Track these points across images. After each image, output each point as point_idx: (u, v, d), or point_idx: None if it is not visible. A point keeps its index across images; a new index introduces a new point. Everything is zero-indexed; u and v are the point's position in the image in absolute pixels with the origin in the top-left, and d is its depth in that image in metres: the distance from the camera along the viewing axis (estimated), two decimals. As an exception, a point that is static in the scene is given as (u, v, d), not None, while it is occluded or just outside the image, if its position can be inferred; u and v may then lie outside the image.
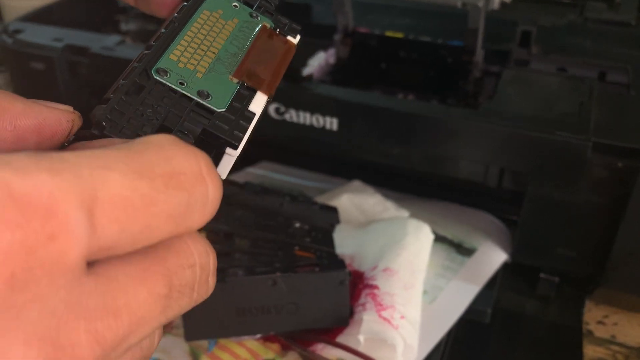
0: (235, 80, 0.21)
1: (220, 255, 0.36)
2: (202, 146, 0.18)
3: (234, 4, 0.24)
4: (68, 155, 0.13)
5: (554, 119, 0.43)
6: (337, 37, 0.60)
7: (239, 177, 0.58)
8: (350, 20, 0.58)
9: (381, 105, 0.46)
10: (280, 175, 0.58)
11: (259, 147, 0.59)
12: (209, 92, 0.20)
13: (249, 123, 0.21)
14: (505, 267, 0.48)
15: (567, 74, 0.50)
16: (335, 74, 0.59)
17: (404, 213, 0.50)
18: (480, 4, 0.50)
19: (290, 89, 0.49)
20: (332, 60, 0.60)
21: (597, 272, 0.45)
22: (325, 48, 0.59)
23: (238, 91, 0.21)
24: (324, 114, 0.48)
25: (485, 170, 0.47)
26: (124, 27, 0.77)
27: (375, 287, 0.38)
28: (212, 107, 0.20)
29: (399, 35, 0.58)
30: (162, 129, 0.19)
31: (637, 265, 0.43)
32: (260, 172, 0.59)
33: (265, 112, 0.48)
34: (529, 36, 0.54)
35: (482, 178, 0.48)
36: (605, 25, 0.61)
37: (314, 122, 0.49)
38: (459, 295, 0.42)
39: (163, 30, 0.22)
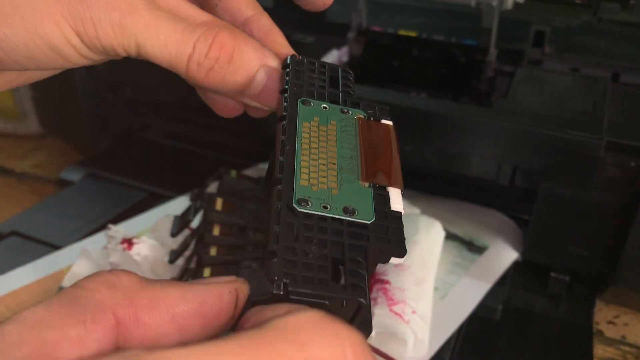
0: (367, 185, 0.21)
1: (235, 249, 0.36)
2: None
3: (323, 105, 0.24)
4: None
5: (567, 117, 0.43)
6: (351, 35, 0.60)
7: (253, 173, 0.58)
8: (364, 19, 0.59)
9: (394, 102, 0.47)
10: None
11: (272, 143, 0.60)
12: (354, 207, 0.20)
13: (400, 224, 0.20)
14: (516, 265, 0.48)
15: (580, 74, 0.50)
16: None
17: (416, 210, 0.50)
18: (495, 3, 0.50)
19: (304, 85, 0.49)
20: (345, 58, 0.60)
21: (609, 271, 0.45)
22: (338, 46, 0.60)
23: (374, 195, 0.21)
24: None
25: (498, 168, 0.47)
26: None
27: (386, 282, 0.38)
28: (363, 221, 0.19)
29: (412, 34, 0.59)
30: (334, 263, 0.18)
31: (649, 264, 0.43)
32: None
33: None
34: (543, 36, 0.54)
35: (494, 176, 0.48)
36: (619, 25, 0.61)
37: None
38: (470, 292, 0.42)
39: (281, 158, 0.21)
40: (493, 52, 0.55)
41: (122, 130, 0.64)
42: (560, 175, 0.43)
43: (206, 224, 0.37)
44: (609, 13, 0.64)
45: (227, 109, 0.25)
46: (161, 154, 0.63)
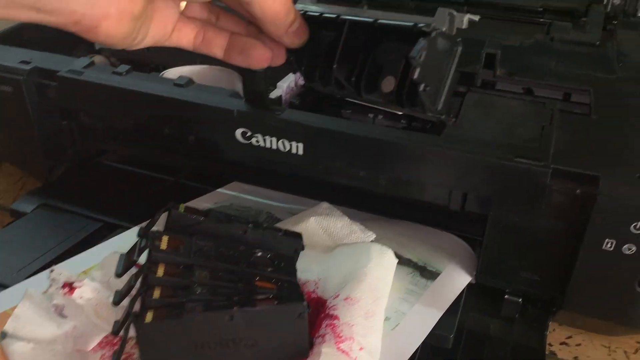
0: None
1: (179, 289, 0.36)
2: None
3: None
4: None
5: (515, 144, 0.44)
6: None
7: (210, 199, 0.58)
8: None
9: (345, 130, 0.47)
10: (251, 196, 0.59)
11: (230, 167, 0.59)
12: None
13: None
14: (470, 287, 0.48)
15: (530, 98, 0.51)
16: (305, 95, 0.59)
17: (370, 235, 0.50)
18: (444, 27, 0.50)
19: (257, 114, 0.49)
20: (301, 81, 0.60)
21: (560, 295, 0.46)
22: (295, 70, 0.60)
23: None
24: (289, 139, 0.49)
25: (449, 194, 0.48)
26: (98, 45, 0.77)
27: (335, 317, 0.38)
28: None
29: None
30: None
31: (597, 290, 0.44)
32: (231, 193, 0.59)
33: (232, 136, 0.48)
34: (494, 59, 0.54)
35: (446, 201, 0.48)
36: (570, 45, 0.62)
37: (280, 147, 0.49)
38: (422, 321, 0.42)
39: None
40: (446, 75, 0.55)
41: (79, 156, 0.63)
42: (508, 202, 0.44)
43: (150, 264, 0.37)
44: (561, 32, 0.65)
45: (264, 57, 0.35)
46: (119, 180, 0.62)
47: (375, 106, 0.50)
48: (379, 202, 0.56)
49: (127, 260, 0.38)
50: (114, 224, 0.54)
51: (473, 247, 0.52)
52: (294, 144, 0.49)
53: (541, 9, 0.70)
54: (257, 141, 0.50)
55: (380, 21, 0.41)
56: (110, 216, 0.55)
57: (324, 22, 0.42)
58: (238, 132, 0.50)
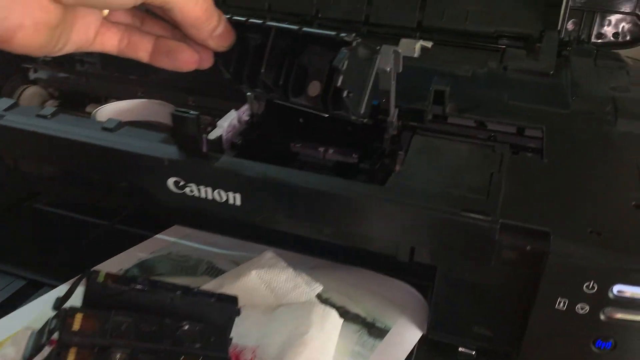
0: None
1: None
2: None
3: None
4: None
5: (462, 195, 0.41)
6: (250, 93, 0.56)
7: (146, 247, 0.54)
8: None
9: (285, 180, 0.44)
10: (191, 242, 0.55)
11: (171, 209, 0.56)
12: None
13: None
14: (422, 339, 0.46)
15: (479, 142, 0.48)
16: (249, 132, 0.56)
17: (316, 288, 0.47)
18: (389, 68, 0.47)
19: (190, 162, 0.46)
20: (245, 117, 0.57)
21: (515, 350, 0.43)
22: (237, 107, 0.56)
23: None
24: (226, 189, 0.45)
25: (397, 245, 0.45)
26: (32, 75, 0.73)
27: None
28: None
29: (313, 91, 0.56)
30: None
31: (552, 347, 0.41)
32: (170, 240, 0.55)
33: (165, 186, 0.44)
34: (442, 95, 0.52)
35: (393, 252, 0.46)
36: (524, 74, 0.60)
37: (216, 197, 0.46)
38: (367, 389, 0.39)
39: None
40: (394, 112, 0.52)
41: (6, 200, 0.59)
42: (456, 257, 0.41)
43: (60, 348, 0.33)
44: (514, 60, 0.63)
45: (191, 60, 0.35)
46: (50, 226, 0.58)
47: (303, 108, 0.45)
48: (327, 246, 0.53)
49: (36, 344, 0.34)
50: (39, 282, 0.49)
51: (425, 294, 0.50)
52: (230, 194, 0.45)
53: (495, 35, 0.68)
54: (192, 191, 0.46)
55: (304, 29, 0.40)
56: (35, 272, 0.50)
57: (250, 27, 0.41)
58: (170, 182, 0.47)
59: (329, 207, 0.43)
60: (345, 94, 0.39)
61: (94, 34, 0.34)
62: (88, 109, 0.69)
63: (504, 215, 0.39)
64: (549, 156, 0.46)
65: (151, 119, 0.61)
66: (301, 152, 0.59)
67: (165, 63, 0.36)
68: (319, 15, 0.74)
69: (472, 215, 0.39)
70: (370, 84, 0.40)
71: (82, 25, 0.33)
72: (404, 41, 0.69)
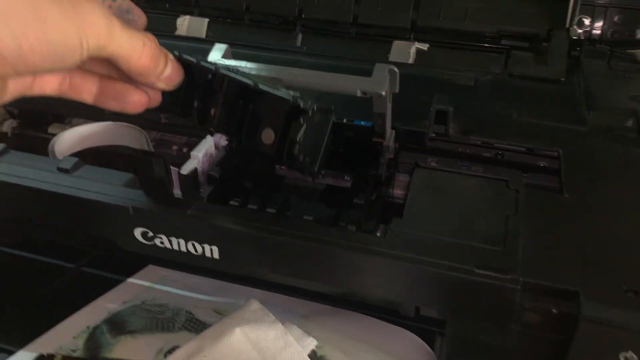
0: None
1: None
2: None
3: None
4: None
5: (475, 247, 0.35)
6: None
7: (117, 296, 0.48)
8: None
9: (267, 231, 0.38)
10: (168, 286, 0.49)
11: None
12: None
13: None
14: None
15: (490, 175, 0.42)
16: (228, 159, 0.50)
17: (309, 344, 0.42)
18: (384, 92, 0.41)
19: (158, 211, 0.39)
20: (223, 141, 0.51)
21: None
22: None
23: None
24: (200, 242, 0.39)
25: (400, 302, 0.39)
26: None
27: None
28: None
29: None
30: None
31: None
32: (144, 284, 0.49)
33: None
34: (445, 116, 0.45)
35: (396, 306, 0.40)
36: (532, 82, 0.54)
37: (191, 249, 0.40)
38: None
39: None
40: (390, 135, 0.46)
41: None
42: (469, 319, 0.35)
43: None
44: (520, 65, 0.57)
45: (140, 102, 0.32)
46: (7, 270, 0.52)
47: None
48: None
49: None
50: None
51: (432, 344, 0.44)
52: (206, 246, 0.39)
53: (497, 35, 0.62)
54: (162, 242, 0.40)
55: (260, 86, 0.37)
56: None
57: (201, 70, 0.38)
58: (137, 232, 0.40)
59: (320, 262, 0.37)
60: (301, 158, 0.37)
61: (31, 79, 0.31)
62: (50, 129, 0.62)
63: (525, 272, 0.34)
64: (570, 190, 0.40)
65: (116, 143, 0.55)
66: (288, 175, 0.53)
67: (112, 106, 0.33)
68: (302, 16, 0.67)
69: (489, 273, 0.34)
70: (324, 144, 0.38)
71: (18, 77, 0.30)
72: (397, 44, 0.62)
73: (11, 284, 0.50)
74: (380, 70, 0.42)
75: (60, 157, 0.55)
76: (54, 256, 0.53)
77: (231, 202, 0.49)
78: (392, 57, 0.61)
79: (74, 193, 0.41)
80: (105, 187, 0.41)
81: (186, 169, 0.46)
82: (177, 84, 0.34)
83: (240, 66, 0.40)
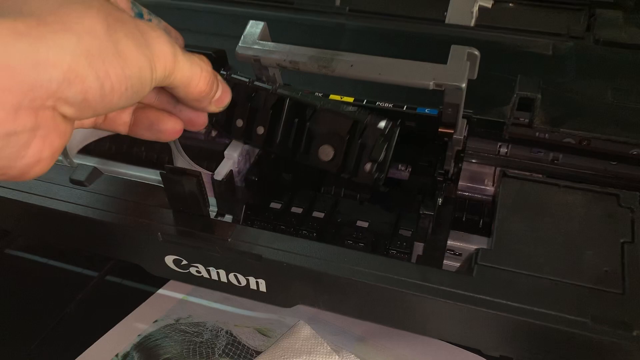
0: None
1: None
2: None
3: None
4: None
5: (585, 289, 0.28)
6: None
7: (146, 314, 0.43)
8: (280, 80, 0.41)
9: (326, 263, 0.31)
10: (203, 299, 0.43)
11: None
12: None
13: None
14: None
15: (596, 188, 0.34)
16: (264, 160, 0.43)
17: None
18: (464, 84, 0.33)
19: (191, 239, 0.33)
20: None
21: None
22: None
23: None
24: (245, 274, 0.33)
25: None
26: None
27: None
28: None
29: (348, 99, 0.42)
30: None
31: None
32: (177, 297, 0.44)
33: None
34: (531, 104, 0.37)
35: (475, 344, 0.34)
36: (625, 53, 0.45)
37: (233, 281, 0.34)
38: None
39: None
40: (461, 125, 0.39)
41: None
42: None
43: None
44: (608, 27, 0.47)
45: (174, 130, 0.30)
46: (23, 277, 0.46)
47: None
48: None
49: None
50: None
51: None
52: (252, 279, 0.33)
53: (576, -13, 0.52)
54: (199, 272, 0.34)
55: (325, 106, 0.34)
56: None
57: (257, 90, 0.36)
58: (168, 260, 0.34)
59: (391, 305, 0.31)
60: (375, 176, 0.34)
61: None
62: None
63: (654, 326, 0.27)
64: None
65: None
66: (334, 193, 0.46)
67: (146, 135, 0.31)
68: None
69: (607, 329, 0.27)
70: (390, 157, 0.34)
71: None
72: (455, 1, 0.53)
73: (25, 298, 0.45)
74: (458, 55, 0.34)
75: (72, 152, 0.49)
76: (73, 262, 0.47)
77: (272, 205, 0.42)
78: (450, 17, 0.53)
79: (89, 214, 0.34)
80: (127, 206, 0.35)
81: (221, 173, 0.39)
82: (226, 105, 0.31)
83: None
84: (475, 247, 0.42)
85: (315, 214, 0.42)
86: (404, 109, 0.40)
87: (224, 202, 0.41)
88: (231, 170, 0.40)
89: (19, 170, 0.23)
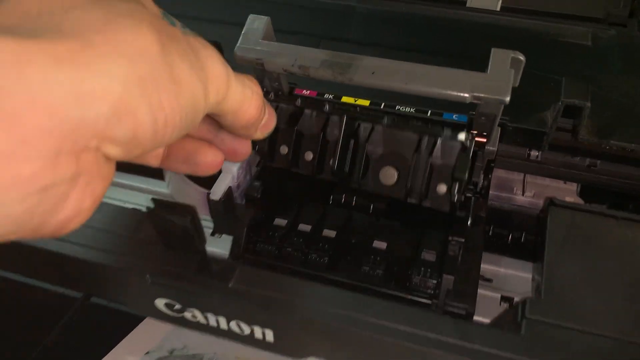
0: None
1: None
2: None
3: None
4: None
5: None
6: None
7: (136, 342, 0.38)
8: (285, 84, 0.36)
9: (347, 316, 0.26)
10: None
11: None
12: None
13: None
14: None
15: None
16: (271, 169, 0.37)
17: None
18: (507, 98, 0.28)
19: (184, 281, 0.28)
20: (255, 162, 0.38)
21: None
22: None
23: None
24: (248, 322, 0.28)
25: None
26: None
27: None
28: None
29: (363, 102, 0.36)
30: None
31: None
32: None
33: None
34: (579, 113, 0.32)
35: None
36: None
37: (234, 329, 0.29)
38: None
39: None
40: (495, 135, 0.34)
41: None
42: None
43: None
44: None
45: (214, 163, 0.26)
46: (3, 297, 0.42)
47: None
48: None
49: None
50: None
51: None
52: (257, 328, 0.28)
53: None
54: (194, 317, 0.29)
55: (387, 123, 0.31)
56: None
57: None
58: (159, 303, 0.29)
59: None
60: (456, 197, 0.31)
61: None
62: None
63: None
64: None
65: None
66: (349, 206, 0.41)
67: (183, 169, 0.26)
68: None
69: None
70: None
71: None
72: (478, -19, 0.47)
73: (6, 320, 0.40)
74: (500, 61, 0.29)
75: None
76: (56, 281, 0.42)
77: (276, 222, 0.37)
78: (473, 0, 0.47)
79: (66, 251, 0.29)
80: (111, 240, 0.30)
81: (218, 191, 0.34)
82: (272, 131, 0.27)
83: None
84: (506, 270, 0.37)
85: (326, 232, 0.37)
86: (429, 114, 0.35)
87: (222, 221, 0.36)
88: (230, 187, 0.35)
89: (54, 228, 0.19)
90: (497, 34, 0.43)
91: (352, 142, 0.32)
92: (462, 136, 0.30)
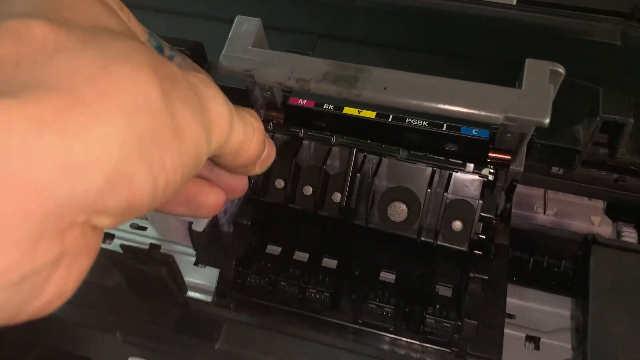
0: None
1: None
2: None
3: None
4: None
5: None
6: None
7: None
8: (279, 94, 0.31)
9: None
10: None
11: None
12: None
13: None
14: None
15: None
16: (256, 203, 0.33)
17: None
18: (547, 121, 0.24)
19: (159, 343, 0.23)
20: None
21: None
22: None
23: None
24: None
25: None
26: None
27: None
28: None
29: (369, 114, 0.32)
30: None
31: None
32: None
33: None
34: (620, 131, 0.28)
35: None
36: None
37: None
38: None
39: None
40: (522, 156, 0.29)
41: None
42: None
43: None
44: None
45: (216, 204, 0.24)
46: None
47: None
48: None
49: None
50: None
51: None
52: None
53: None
54: (174, 377, 0.25)
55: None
56: None
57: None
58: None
59: None
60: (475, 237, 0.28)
61: None
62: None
63: None
64: None
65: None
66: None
67: (181, 211, 0.24)
68: None
69: None
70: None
71: None
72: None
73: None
74: (538, 75, 0.24)
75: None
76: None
77: (268, 250, 0.33)
78: (487, -8, 0.42)
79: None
80: (79, 292, 0.25)
81: (201, 221, 0.29)
82: (270, 165, 0.25)
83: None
84: (529, 304, 0.33)
85: (326, 260, 0.33)
86: (444, 128, 0.30)
87: (206, 252, 0.31)
88: (215, 216, 0.30)
89: (31, 314, 0.16)
90: (514, 31, 0.39)
91: (357, 175, 0.27)
92: (486, 172, 0.26)
